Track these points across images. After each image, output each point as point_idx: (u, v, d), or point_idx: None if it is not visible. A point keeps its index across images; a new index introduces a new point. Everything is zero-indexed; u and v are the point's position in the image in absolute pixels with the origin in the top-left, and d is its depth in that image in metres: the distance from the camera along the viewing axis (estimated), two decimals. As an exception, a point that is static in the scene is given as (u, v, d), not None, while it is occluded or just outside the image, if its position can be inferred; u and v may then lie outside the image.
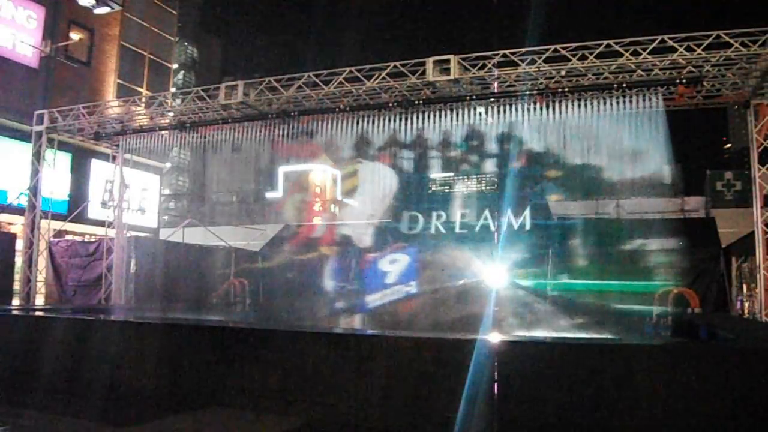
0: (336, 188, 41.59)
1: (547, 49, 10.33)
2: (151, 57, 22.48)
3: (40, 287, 15.45)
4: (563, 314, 12.58)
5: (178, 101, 15.06)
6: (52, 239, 15.61)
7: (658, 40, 9.80)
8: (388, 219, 19.04)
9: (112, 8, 16.98)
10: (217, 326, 8.43)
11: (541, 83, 10.96)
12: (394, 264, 15.10)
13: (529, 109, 11.60)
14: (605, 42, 10.05)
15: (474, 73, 10.85)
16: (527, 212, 15.31)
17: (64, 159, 17.79)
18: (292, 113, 12.61)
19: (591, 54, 10.11)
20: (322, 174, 42.08)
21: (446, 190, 19.16)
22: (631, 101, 11.01)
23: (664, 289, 11.72)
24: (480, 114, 11.93)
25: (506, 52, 10.68)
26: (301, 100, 12.64)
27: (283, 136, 13.05)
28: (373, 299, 15.29)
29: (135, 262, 14.82)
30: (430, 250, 15.31)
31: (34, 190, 14.90)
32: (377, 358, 5.98)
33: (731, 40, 9.46)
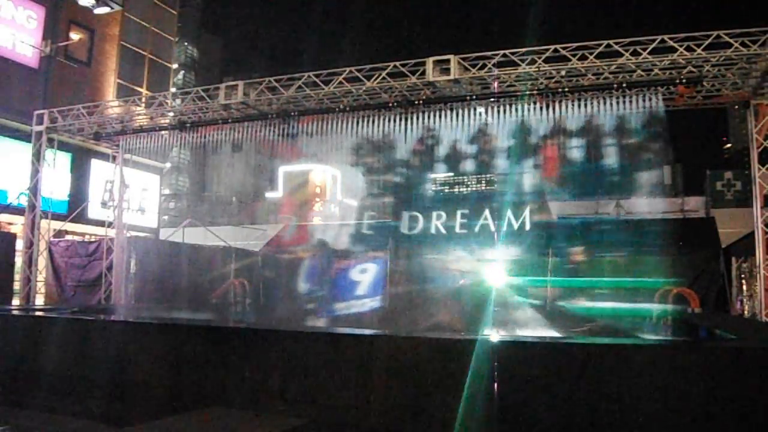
0: (336, 188, 41.60)
1: (547, 49, 10.33)
2: (151, 57, 22.48)
3: (40, 287, 15.45)
4: (550, 320, 12.61)
5: (178, 101, 15.05)
6: (52, 239, 15.60)
7: (658, 40, 9.80)
8: (384, 219, 19.05)
9: (112, 8, 16.98)
10: (217, 326, 8.44)
11: (541, 83, 10.96)
12: (364, 274, 15.23)
13: (529, 109, 11.62)
14: (605, 42, 10.05)
15: (474, 73, 10.85)
16: (527, 212, 15.29)
17: (64, 159, 17.78)
18: (292, 113, 12.61)
19: (591, 54, 10.11)
20: (322, 174, 42.06)
21: (446, 190, 19.17)
22: (631, 101, 11.02)
23: (664, 288, 11.71)
24: (480, 114, 11.93)
25: (506, 52, 10.68)
26: (301, 100, 12.64)
27: (283, 136, 13.04)
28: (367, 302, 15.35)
29: (135, 262, 14.81)
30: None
31: (34, 190, 14.90)
32: (377, 358, 5.98)
33: (731, 40, 9.46)
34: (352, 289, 15.17)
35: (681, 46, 9.74)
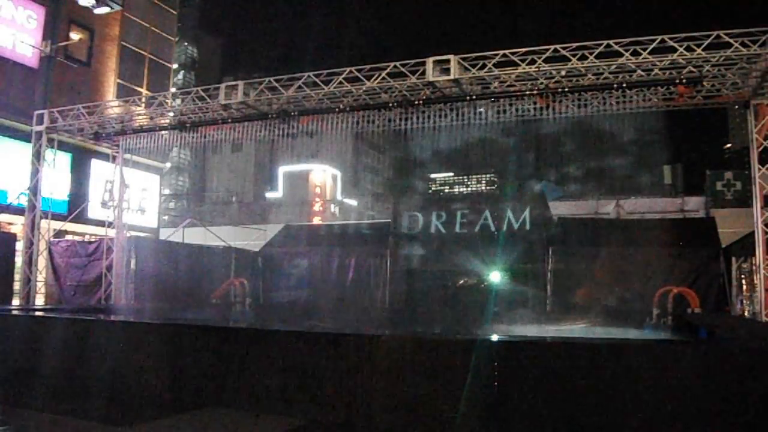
0: (336, 188, 41.67)
1: (547, 49, 10.32)
2: (151, 57, 22.46)
3: (40, 287, 15.44)
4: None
5: (178, 101, 15.04)
6: (52, 239, 15.60)
7: (658, 40, 9.78)
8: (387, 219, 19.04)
9: (112, 8, 16.96)
10: (217, 326, 8.44)
11: (541, 83, 10.95)
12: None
13: (529, 109, 11.62)
14: (605, 42, 10.04)
15: (474, 73, 10.84)
16: (527, 212, 15.25)
17: (64, 159, 17.77)
18: (292, 113, 12.60)
19: (591, 54, 10.09)
20: (322, 174, 42.09)
21: (446, 190, 19.15)
22: (631, 101, 11.01)
23: (664, 289, 11.71)
24: (480, 114, 11.94)
25: (506, 52, 10.66)
26: (301, 100, 12.63)
27: (283, 136, 13.05)
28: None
29: (135, 262, 14.80)
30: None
31: (34, 190, 14.89)
32: (377, 358, 5.98)
33: (731, 40, 9.44)
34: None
35: (681, 46, 9.72)
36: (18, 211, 15.88)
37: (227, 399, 6.52)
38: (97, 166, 19.15)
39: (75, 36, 19.38)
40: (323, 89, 11.84)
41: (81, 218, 17.88)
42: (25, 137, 15.90)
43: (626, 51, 9.97)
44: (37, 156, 14.96)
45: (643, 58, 9.96)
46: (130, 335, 7.72)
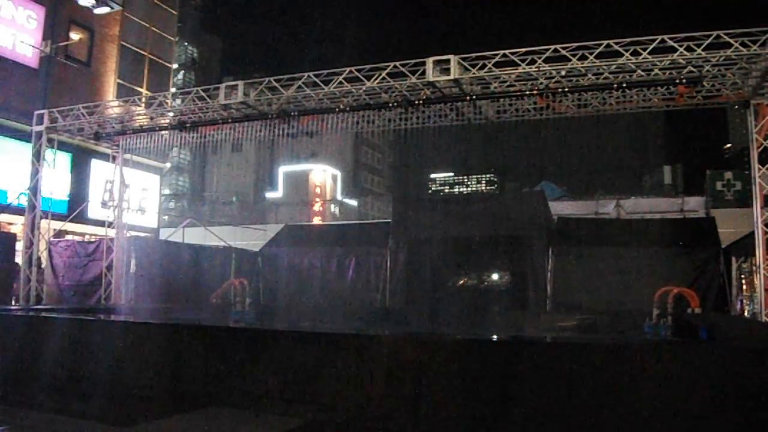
0: (336, 188, 41.70)
1: (547, 49, 10.32)
2: (151, 57, 22.47)
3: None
4: None
5: (178, 101, 15.05)
6: (51, 239, 15.60)
7: (658, 40, 9.78)
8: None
9: (112, 8, 16.98)
10: (217, 326, 8.45)
11: (541, 83, 10.95)
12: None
13: (529, 109, 11.62)
14: (605, 42, 10.04)
15: (474, 73, 10.84)
16: (527, 212, 15.21)
17: (64, 159, 17.78)
18: (292, 113, 12.61)
19: (591, 54, 10.09)
20: (322, 174, 42.11)
21: (446, 190, 19.14)
22: (631, 101, 11.00)
23: (664, 289, 11.70)
24: (480, 113, 11.94)
25: (506, 52, 10.66)
26: (301, 100, 12.63)
27: (283, 136, 13.05)
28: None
29: (135, 262, 14.80)
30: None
31: (34, 190, 14.89)
32: (377, 358, 5.98)
33: (731, 40, 9.45)
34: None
35: (681, 46, 9.72)
36: (18, 211, 15.89)
37: (227, 399, 6.52)
38: (97, 166, 19.16)
39: (75, 36, 19.38)
40: (323, 89, 11.84)
41: (81, 218, 17.89)
42: (25, 137, 15.90)
43: (626, 51, 9.97)
44: (37, 156, 14.96)
45: (643, 58, 9.96)
46: (130, 335, 7.72)
